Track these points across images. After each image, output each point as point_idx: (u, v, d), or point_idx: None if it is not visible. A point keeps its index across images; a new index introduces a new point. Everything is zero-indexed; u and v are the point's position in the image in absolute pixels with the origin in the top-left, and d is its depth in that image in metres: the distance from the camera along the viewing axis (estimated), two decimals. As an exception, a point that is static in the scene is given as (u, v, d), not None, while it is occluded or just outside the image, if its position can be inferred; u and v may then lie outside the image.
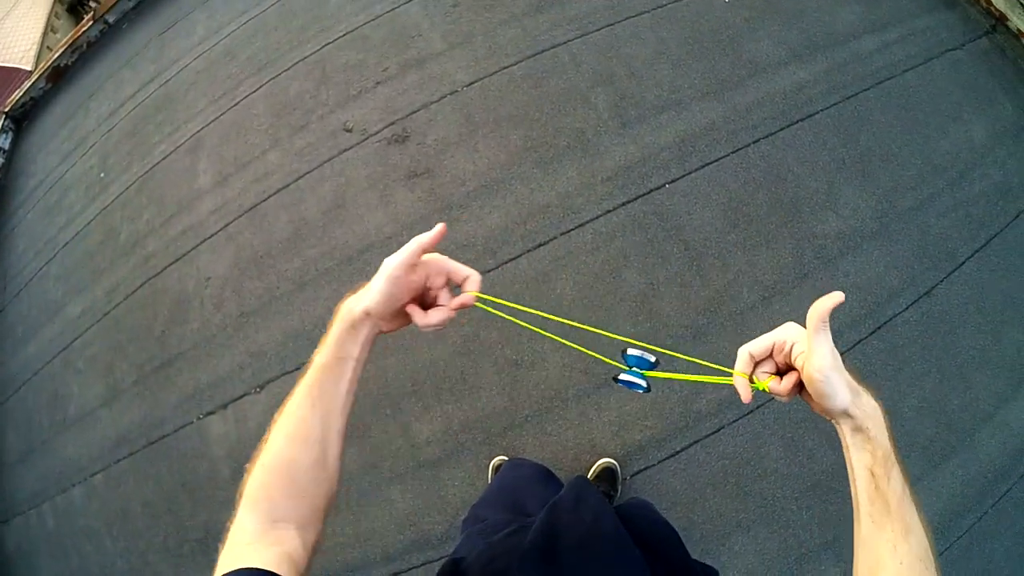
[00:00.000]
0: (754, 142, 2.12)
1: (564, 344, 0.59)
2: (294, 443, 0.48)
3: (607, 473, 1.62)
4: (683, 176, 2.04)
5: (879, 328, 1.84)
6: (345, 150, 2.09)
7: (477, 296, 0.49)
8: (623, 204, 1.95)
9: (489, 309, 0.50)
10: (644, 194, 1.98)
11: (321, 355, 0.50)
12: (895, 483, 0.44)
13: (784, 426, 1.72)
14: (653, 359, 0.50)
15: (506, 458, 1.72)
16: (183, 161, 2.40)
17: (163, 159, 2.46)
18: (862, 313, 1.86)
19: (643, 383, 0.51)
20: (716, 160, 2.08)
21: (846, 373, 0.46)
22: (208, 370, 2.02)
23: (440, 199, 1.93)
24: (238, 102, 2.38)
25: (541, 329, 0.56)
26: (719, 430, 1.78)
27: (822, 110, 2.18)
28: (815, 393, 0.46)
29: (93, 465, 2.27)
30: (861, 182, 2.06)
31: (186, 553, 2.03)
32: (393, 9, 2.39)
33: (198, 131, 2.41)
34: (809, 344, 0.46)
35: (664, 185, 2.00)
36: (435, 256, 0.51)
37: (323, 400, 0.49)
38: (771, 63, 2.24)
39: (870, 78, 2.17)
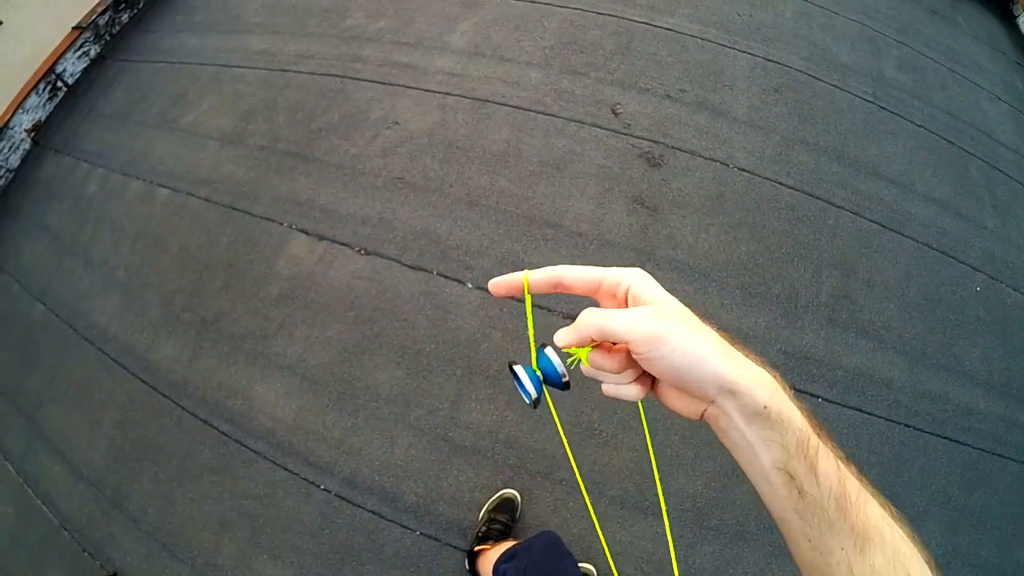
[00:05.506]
0: (904, 424, 2.03)
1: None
2: None
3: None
4: (836, 403, 1.94)
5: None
6: (599, 126, 1.95)
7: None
8: (778, 382, 1.83)
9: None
10: (799, 390, 1.86)
11: None
12: (826, 476, 0.31)
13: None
14: (565, 379, 0.39)
15: (515, 493, 1.62)
16: (451, 8, 2.26)
17: (435, -9, 2.32)
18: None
19: (533, 393, 0.39)
20: (869, 413, 1.98)
21: (697, 323, 0.33)
22: (333, 196, 1.90)
23: (646, 242, 1.80)
24: (536, 3, 2.24)
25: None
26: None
27: (971, 446, 2.08)
28: (650, 361, 0.32)
29: (165, 179, 2.17)
30: (948, 527, 1.96)
31: (182, 320, 1.93)
32: (724, 46, 2.25)
33: (484, -5, 2.26)
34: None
35: (819, 398, 1.90)
36: None
37: None
38: (968, 371, 2.14)
39: (1031, 457, 2.07)
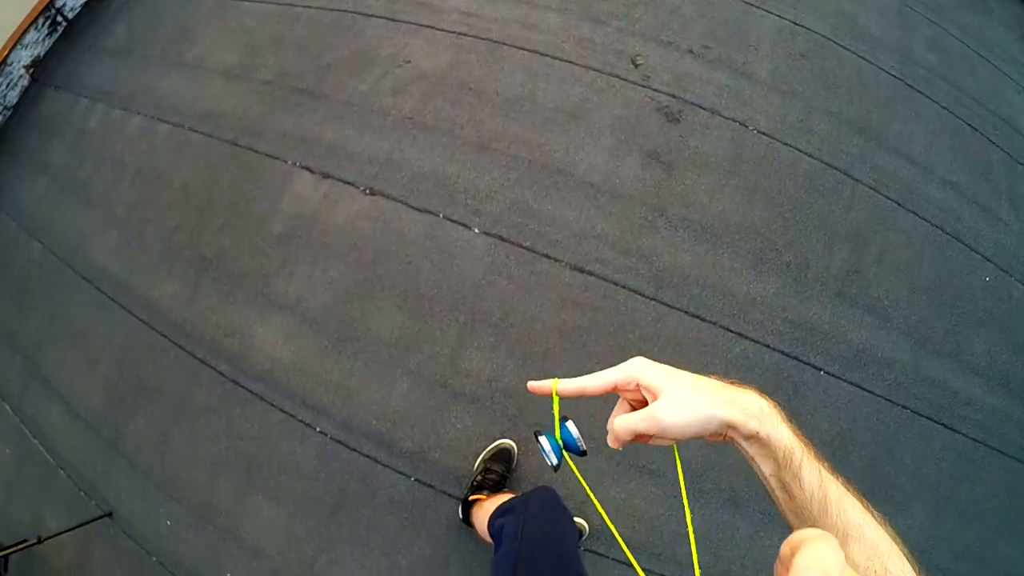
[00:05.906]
0: (902, 406, 2.01)
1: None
2: None
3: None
4: (836, 377, 1.92)
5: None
6: (617, 76, 1.88)
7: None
8: (782, 352, 1.80)
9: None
10: (801, 360, 1.84)
11: None
12: (809, 483, 0.39)
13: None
14: (583, 447, 0.48)
15: (512, 444, 1.60)
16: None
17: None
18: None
19: (555, 460, 0.48)
20: (868, 391, 1.96)
21: (696, 386, 0.42)
22: (340, 133, 1.84)
23: (657, 197, 1.75)
24: (561, -53, 2.13)
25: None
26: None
27: (964, 435, 2.06)
28: (669, 439, 0.42)
29: (169, 114, 2.10)
30: (933, 513, 1.96)
31: (182, 258, 1.89)
32: (752, 5, 2.16)
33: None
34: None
35: (821, 371, 1.87)
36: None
37: None
38: (970, 361, 2.10)
39: (1027, 454, 2.05)
